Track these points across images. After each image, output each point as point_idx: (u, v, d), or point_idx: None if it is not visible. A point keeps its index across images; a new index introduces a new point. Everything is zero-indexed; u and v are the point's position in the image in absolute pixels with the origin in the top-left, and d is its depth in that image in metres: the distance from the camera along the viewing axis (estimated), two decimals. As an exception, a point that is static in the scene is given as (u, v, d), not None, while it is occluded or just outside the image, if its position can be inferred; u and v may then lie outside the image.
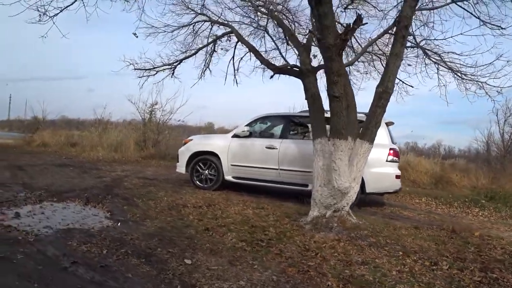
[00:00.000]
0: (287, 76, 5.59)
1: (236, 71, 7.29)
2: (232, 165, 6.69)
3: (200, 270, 3.07)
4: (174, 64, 7.51)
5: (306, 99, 5.37)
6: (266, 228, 4.44)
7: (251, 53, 6.69)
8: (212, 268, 3.15)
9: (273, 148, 6.46)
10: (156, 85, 7.45)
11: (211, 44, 7.46)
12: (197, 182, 6.92)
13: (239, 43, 6.88)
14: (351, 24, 3.87)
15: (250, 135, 6.75)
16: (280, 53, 5.96)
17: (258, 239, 4.01)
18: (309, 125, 6.85)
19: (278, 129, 6.81)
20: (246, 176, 6.66)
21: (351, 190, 4.51)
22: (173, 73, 7.80)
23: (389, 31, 5.60)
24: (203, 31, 7.74)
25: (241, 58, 7.02)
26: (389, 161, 6.18)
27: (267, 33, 6.53)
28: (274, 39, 7.15)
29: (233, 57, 7.18)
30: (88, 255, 3.18)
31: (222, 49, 7.67)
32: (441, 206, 7.42)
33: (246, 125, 6.84)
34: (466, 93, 5.86)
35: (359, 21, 3.94)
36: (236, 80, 7.33)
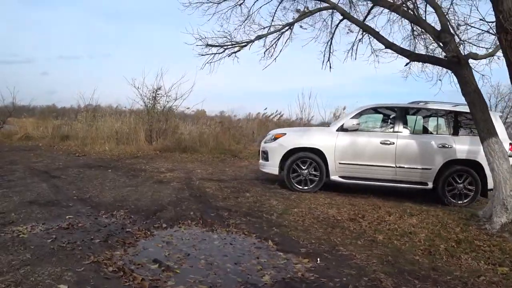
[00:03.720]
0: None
1: (331, 54, 6.19)
2: (340, 163, 5.75)
3: None
4: (254, 40, 6.16)
5: (463, 94, 4.67)
6: (470, 241, 3.82)
7: (364, 36, 5.72)
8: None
9: (390, 144, 5.66)
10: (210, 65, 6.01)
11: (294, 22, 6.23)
12: (295, 184, 5.84)
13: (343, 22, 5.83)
14: None
15: (358, 128, 5.84)
16: (435, 40, 4.82)
17: (496, 257, 3.40)
18: (430, 119, 6.19)
19: (391, 122, 5.98)
20: (356, 176, 5.78)
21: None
22: (235, 52, 6.46)
23: None
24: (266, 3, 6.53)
25: (359, 40, 5.91)
26: (510, 156, 5.82)
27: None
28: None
29: (332, 37, 6.07)
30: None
31: (301, 26, 6.52)
32: None
33: (353, 117, 5.89)
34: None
35: None
36: (330, 64, 6.24)
